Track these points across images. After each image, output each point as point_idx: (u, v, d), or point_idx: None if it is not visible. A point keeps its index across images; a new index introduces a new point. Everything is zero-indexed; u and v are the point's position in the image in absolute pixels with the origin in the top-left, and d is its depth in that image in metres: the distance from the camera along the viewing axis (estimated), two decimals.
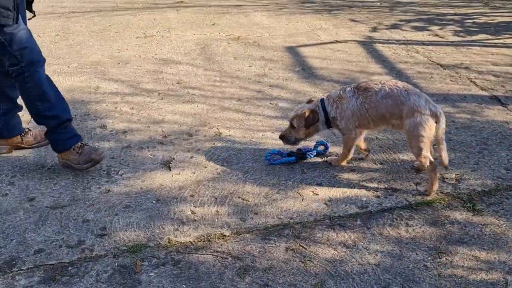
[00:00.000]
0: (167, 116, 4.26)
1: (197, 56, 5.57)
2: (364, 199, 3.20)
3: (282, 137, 3.55)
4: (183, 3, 7.88)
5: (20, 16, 3.26)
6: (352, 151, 3.50)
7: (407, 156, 3.64)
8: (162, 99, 4.57)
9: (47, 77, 3.43)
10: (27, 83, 3.33)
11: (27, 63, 3.28)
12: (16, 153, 3.77)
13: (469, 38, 5.98)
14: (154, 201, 3.22)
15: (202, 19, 6.95)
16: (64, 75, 5.16)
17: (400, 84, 3.29)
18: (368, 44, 5.84)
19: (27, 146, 3.83)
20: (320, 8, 7.42)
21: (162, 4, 7.82)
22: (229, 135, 3.97)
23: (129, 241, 2.88)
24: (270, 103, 4.48)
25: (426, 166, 3.24)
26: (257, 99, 4.54)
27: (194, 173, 3.50)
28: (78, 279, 2.61)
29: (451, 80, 4.84)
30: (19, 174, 3.53)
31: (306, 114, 3.43)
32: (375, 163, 3.57)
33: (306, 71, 5.13)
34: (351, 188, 3.31)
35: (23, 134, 3.82)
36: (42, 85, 3.38)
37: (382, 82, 3.31)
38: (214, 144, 3.84)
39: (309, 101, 3.56)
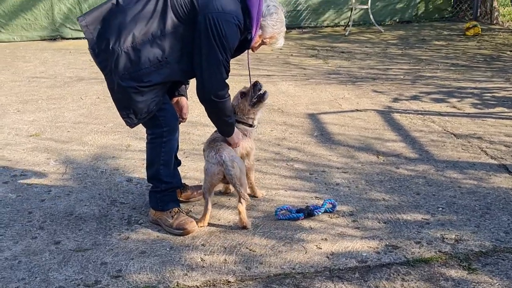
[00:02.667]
0: (189, 173, 4.56)
1: None
2: (365, 254, 3.39)
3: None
4: None
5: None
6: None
7: (411, 217, 3.82)
8: (187, 157, 4.89)
9: None
10: (162, 148, 3.60)
11: (168, 129, 3.59)
12: (48, 202, 4.11)
13: (485, 110, 6.19)
14: (168, 248, 3.48)
15: (232, 87, 7.35)
16: (99, 133, 5.57)
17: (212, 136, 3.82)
18: (386, 114, 6.12)
19: (184, 200, 4.05)
20: (345, 79, 7.78)
21: None
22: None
23: (141, 283, 3.12)
24: (287, 164, 4.76)
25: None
26: (274, 160, 4.82)
27: (207, 224, 3.76)
28: None
29: (462, 149, 5.04)
30: (49, 220, 3.85)
31: None
32: (379, 222, 3.76)
33: (324, 136, 5.41)
34: (354, 243, 3.50)
35: (182, 189, 4.04)
36: (172, 152, 3.69)
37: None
38: (229, 199, 4.10)
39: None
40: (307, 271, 3.23)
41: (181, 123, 3.90)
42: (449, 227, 3.68)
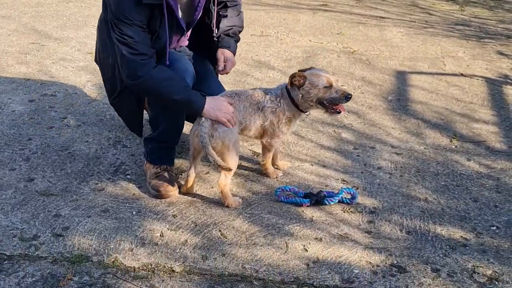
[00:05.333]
0: None
1: (296, 64, 5.17)
2: (356, 271, 2.63)
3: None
4: (327, 6, 7.45)
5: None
6: None
7: (447, 231, 2.93)
8: None
9: None
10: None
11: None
12: (55, 130, 3.80)
13: None
14: (134, 212, 3.00)
15: (331, 26, 6.49)
16: None
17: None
18: (496, 84, 4.92)
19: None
20: (471, 33, 6.48)
21: (304, 4, 7.48)
22: None
23: (78, 249, 2.70)
24: (334, 131, 3.96)
25: None
26: (322, 124, 4.05)
27: (196, 190, 3.20)
28: (4, 276, 2.50)
29: None
30: (40, 151, 3.55)
31: None
32: (401, 230, 2.93)
33: (400, 102, 4.47)
34: (351, 253, 2.74)
35: None
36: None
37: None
38: (241, 162, 3.45)
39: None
40: (271, 278, 2.57)
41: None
42: (490, 257, 2.75)
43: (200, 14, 3.17)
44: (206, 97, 2.97)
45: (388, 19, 6.92)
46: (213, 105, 2.94)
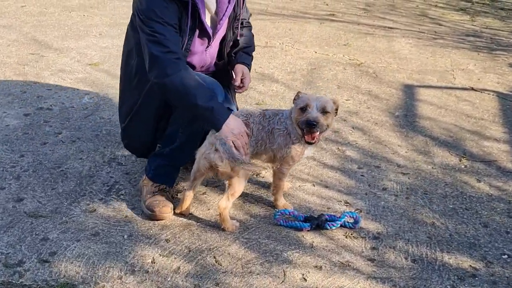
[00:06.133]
0: None
1: (300, 77, 5.03)
2: None
3: (316, 124, 2.79)
4: (334, 16, 7.30)
5: None
6: None
7: (455, 260, 2.77)
8: None
9: None
10: None
11: None
12: (49, 146, 3.68)
13: None
14: (125, 236, 2.86)
15: (338, 37, 6.34)
16: None
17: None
18: (508, 100, 4.74)
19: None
20: (482, 45, 6.31)
21: (310, 14, 7.34)
22: (263, 177, 3.43)
23: (64, 276, 2.56)
24: (338, 148, 3.81)
25: None
26: (326, 140, 3.89)
27: (191, 213, 3.06)
28: None
29: None
30: (32, 169, 3.42)
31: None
32: (406, 258, 2.77)
33: (407, 119, 4.31)
34: (353, 283, 2.59)
35: None
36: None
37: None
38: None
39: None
40: None
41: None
42: None
43: (224, 23, 3.04)
44: (231, 114, 2.82)
45: (397, 30, 6.77)
46: (231, 124, 2.77)
